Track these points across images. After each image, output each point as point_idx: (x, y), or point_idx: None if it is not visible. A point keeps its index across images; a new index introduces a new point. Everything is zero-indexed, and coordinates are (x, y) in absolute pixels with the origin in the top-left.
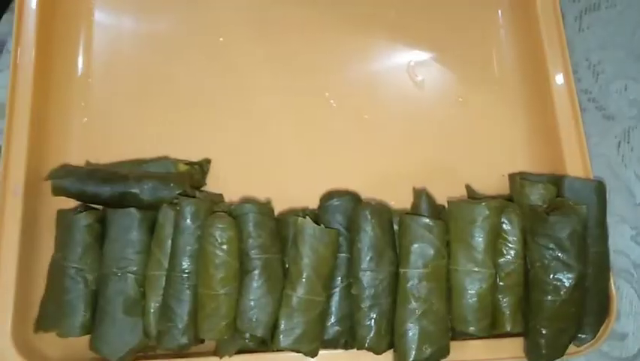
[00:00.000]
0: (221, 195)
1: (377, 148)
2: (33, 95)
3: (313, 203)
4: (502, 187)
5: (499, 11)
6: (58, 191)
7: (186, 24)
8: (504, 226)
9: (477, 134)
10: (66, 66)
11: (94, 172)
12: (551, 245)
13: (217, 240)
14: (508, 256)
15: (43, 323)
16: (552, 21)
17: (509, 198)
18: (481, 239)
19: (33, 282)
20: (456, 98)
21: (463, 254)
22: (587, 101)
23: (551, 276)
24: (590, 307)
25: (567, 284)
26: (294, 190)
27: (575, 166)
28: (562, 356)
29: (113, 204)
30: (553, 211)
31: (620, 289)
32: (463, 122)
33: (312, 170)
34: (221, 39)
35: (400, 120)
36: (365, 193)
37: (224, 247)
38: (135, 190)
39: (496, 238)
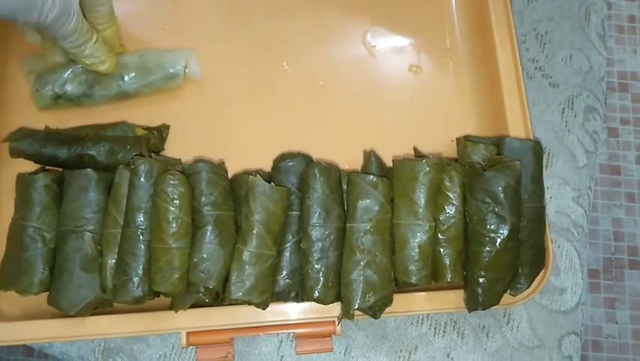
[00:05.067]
0: (179, 160)
1: (331, 113)
2: None
3: (269, 166)
4: (452, 152)
5: None
6: (16, 153)
7: None
8: (445, 183)
9: (428, 102)
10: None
11: (52, 135)
12: (487, 199)
13: (169, 196)
14: (449, 212)
15: (3, 283)
16: None
17: (456, 161)
18: (421, 194)
19: None
20: (408, 66)
21: (405, 208)
22: (534, 69)
23: (487, 228)
24: (526, 259)
25: (501, 235)
26: (251, 154)
27: (517, 130)
28: (497, 303)
29: (70, 165)
30: (490, 168)
31: (561, 247)
32: (415, 89)
33: (269, 135)
34: (180, 9)
35: (354, 87)
36: (318, 156)
37: (176, 202)
38: (92, 152)
39: (437, 193)
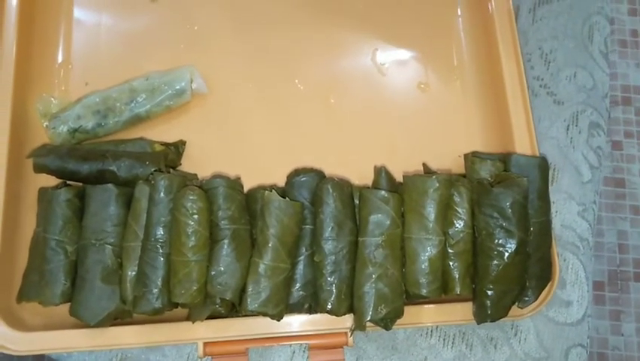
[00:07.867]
0: (195, 175)
1: (342, 130)
2: (15, 80)
3: (282, 181)
4: (459, 167)
5: (458, 6)
6: (39, 168)
7: (163, 10)
8: (454, 198)
9: (436, 118)
10: (47, 53)
11: (73, 151)
12: (495, 214)
13: (188, 210)
14: (458, 226)
15: (25, 294)
16: (505, 15)
17: (464, 176)
18: (432, 209)
19: (15, 257)
20: (417, 84)
21: (415, 223)
22: (539, 87)
23: (495, 242)
24: (533, 272)
25: (509, 249)
26: (265, 169)
27: (523, 146)
28: (505, 315)
29: (91, 180)
30: (497, 184)
31: (566, 261)
32: (423, 106)
33: (282, 151)
34: (195, 28)
35: (364, 104)
36: (330, 172)
37: (195, 216)
38: (113, 168)
39: (446, 208)
